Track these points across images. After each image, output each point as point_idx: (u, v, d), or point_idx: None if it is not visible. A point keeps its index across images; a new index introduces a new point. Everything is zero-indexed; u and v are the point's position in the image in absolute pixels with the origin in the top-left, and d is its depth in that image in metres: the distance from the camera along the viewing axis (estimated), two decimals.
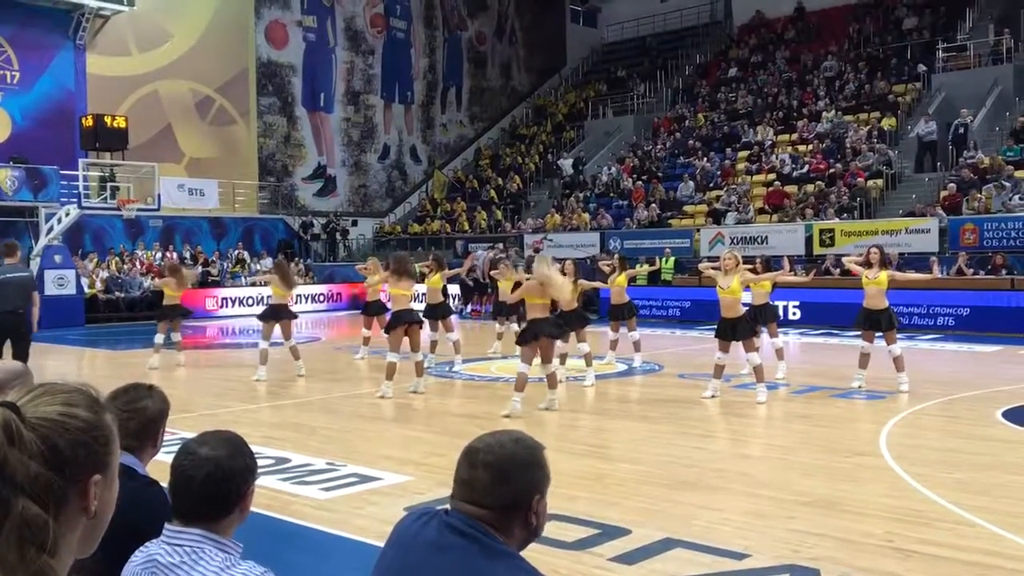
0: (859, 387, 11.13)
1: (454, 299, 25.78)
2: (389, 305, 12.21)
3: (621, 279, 13.94)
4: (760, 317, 12.41)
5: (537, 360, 9.96)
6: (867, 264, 11.26)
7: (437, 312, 14.17)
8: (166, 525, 2.05)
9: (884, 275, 11.07)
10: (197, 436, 2.16)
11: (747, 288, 12.82)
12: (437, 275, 14.12)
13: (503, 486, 1.91)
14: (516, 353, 10.14)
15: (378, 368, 12.56)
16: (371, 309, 15.29)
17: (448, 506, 1.98)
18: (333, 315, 26.31)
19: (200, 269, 24.81)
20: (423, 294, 15.24)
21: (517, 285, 11.84)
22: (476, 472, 1.92)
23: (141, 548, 2.04)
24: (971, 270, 18.76)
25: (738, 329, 10.48)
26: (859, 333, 11.54)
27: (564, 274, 12.41)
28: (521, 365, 9.85)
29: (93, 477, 1.18)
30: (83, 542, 1.21)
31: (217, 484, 2.03)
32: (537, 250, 24.93)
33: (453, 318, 15.34)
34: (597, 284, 14.53)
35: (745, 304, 11.41)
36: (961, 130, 23.22)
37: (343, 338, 19.42)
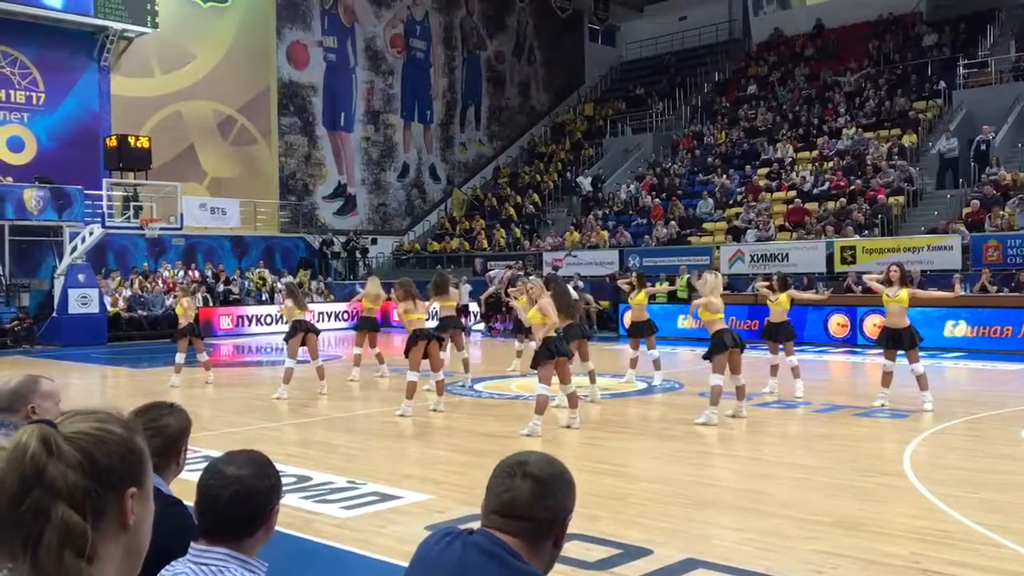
0: (882, 405, 11.03)
1: (475, 316, 25.83)
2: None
3: (641, 297, 13.93)
4: (777, 335, 12.37)
5: (555, 380, 9.97)
6: (888, 282, 11.18)
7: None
8: (191, 544, 2.06)
9: (905, 293, 10.99)
10: (223, 455, 2.17)
11: (765, 305, 12.85)
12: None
13: (547, 500, 1.90)
14: (535, 372, 10.11)
15: (398, 387, 12.58)
16: (364, 325, 15.87)
17: (472, 526, 1.98)
18: (353, 333, 26.30)
19: (200, 296, 24.85)
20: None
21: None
22: (521, 488, 1.90)
23: (167, 567, 2.04)
24: (995, 287, 18.57)
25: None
26: (881, 351, 11.47)
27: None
28: (540, 387, 9.78)
29: (130, 490, 1.21)
30: (124, 565, 1.23)
31: (243, 503, 2.04)
32: (556, 268, 24.94)
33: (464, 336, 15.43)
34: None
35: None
36: (983, 147, 23.08)
37: (363, 356, 19.41)
